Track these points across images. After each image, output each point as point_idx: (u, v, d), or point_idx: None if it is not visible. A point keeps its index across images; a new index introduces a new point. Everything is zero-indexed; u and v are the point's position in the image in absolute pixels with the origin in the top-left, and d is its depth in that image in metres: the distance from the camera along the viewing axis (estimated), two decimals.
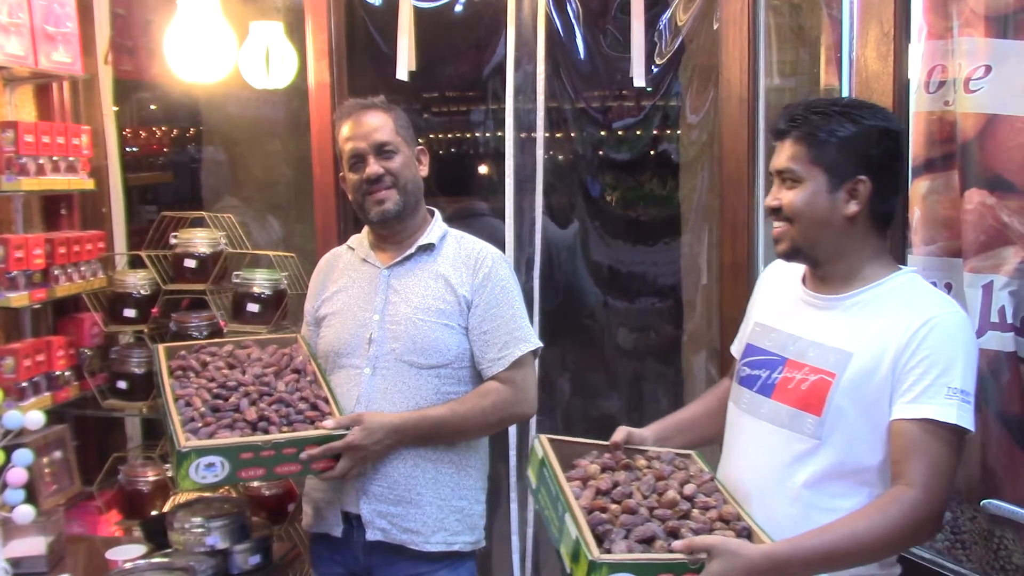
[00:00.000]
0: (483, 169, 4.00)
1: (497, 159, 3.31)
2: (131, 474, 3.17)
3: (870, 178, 1.79)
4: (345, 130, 2.35)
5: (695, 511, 1.79)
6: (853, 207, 1.80)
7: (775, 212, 1.85)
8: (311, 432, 2.15)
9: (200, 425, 2.13)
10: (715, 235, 3.17)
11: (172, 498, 3.20)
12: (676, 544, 1.64)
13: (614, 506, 1.76)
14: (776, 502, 1.82)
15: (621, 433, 1.99)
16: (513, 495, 3.11)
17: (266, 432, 2.14)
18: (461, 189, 3.91)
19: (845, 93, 2.38)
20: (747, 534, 1.75)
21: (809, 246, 1.83)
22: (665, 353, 3.84)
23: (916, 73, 2.26)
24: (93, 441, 3.48)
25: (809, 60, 2.93)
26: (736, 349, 2.12)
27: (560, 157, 3.80)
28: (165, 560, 2.24)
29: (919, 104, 2.26)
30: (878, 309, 1.79)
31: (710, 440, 2.14)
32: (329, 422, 2.17)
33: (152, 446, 3.41)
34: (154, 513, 3.12)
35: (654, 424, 2.11)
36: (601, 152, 3.88)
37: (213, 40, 3.03)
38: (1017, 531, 2.11)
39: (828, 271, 1.86)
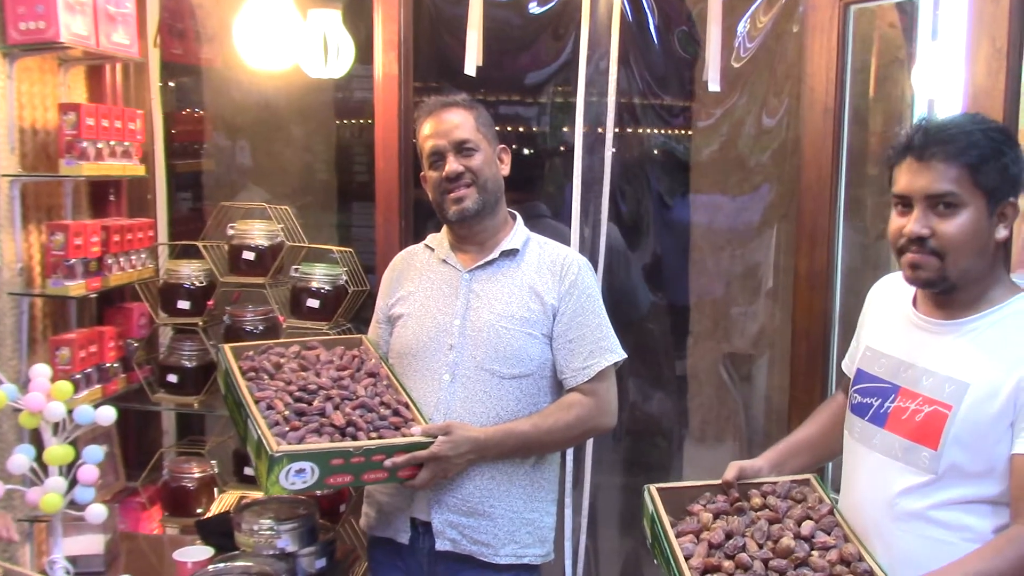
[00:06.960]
0: (549, 167, 3.92)
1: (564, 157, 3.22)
2: (176, 470, 3.10)
3: (1016, 200, 1.71)
4: (426, 128, 2.28)
5: (814, 554, 1.75)
6: (1003, 232, 1.70)
7: (919, 241, 1.68)
8: (400, 439, 2.09)
9: (287, 429, 2.06)
10: (784, 240, 3.12)
11: (218, 497, 3.13)
12: None
13: (727, 563, 1.72)
14: (895, 536, 1.75)
15: (732, 470, 1.94)
16: (568, 500, 3.04)
17: (354, 438, 2.08)
18: (526, 189, 3.81)
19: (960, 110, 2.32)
20: None
21: (959, 276, 1.69)
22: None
23: None
24: (133, 436, 3.39)
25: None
26: (847, 367, 2.04)
27: (628, 156, 3.72)
28: (248, 564, 2.17)
29: None
30: (996, 336, 1.69)
31: (828, 458, 2.10)
32: (417, 429, 2.11)
33: (194, 442, 3.33)
34: (200, 512, 3.05)
35: (768, 451, 2.04)
36: (671, 153, 3.81)
37: (282, 28, 2.93)
38: None
39: (955, 297, 1.74)
